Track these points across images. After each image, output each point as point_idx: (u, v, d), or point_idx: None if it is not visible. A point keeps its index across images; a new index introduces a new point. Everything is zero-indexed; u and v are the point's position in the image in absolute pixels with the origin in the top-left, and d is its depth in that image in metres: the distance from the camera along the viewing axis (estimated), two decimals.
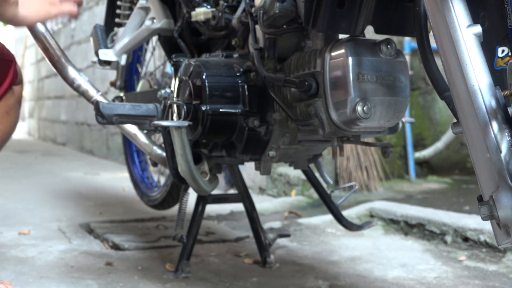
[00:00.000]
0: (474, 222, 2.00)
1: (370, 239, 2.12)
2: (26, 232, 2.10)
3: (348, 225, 1.75)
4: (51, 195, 3.05)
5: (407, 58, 3.51)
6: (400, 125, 1.33)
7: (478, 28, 0.82)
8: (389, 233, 2.21)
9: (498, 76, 0.85)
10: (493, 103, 0.79)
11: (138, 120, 1.41)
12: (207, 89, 1.35)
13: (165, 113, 1.53)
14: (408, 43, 3.70)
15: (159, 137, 2.08)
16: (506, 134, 0.79)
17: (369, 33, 1.23)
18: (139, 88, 1.97)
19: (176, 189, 1.93)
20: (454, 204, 2.79)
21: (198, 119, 1.37)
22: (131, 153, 2.31)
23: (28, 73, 9.11)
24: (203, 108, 1.34)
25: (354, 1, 1.13)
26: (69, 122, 6.79)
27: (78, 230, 2.18)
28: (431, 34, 0.89)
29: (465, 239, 1.97)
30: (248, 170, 3.12)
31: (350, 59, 1.13)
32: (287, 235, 1.99)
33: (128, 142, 2.31)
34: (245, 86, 1.37)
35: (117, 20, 2.02)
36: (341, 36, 1.24)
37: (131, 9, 1.99)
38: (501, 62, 0.86)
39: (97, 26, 1.94)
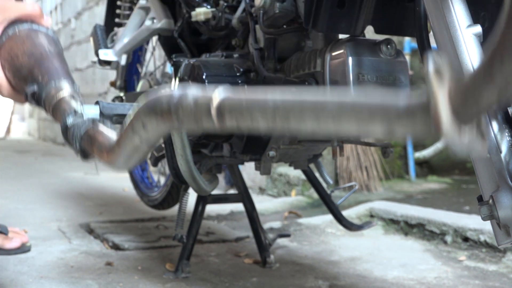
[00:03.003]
0: (474, 222, 2.00)
1: (370, 239, 2.12)
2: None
3: (348, 225, 1.75)
4: (51, 195, 3.05)
5: (407, 58, 3.51)
6: None
7: (478, 28, 0.82)
8: (389, 233, 2.21)
9: None
10: None
11: None
12: None
13: None
14: (408, 43, 3.70)
15: None
16: (506, 134, 0.79)
17: (369, 33, 1.23)
18: (139, 88, 1.98)
19: (176, 189, 1.93)
20: (454, 204, 2.79)
21: None
22: None
23: None
24: None
25: (354, 1, 1.13)
26: None
27: (78, 230, 2.18)
28: (431, 34, 0.89)
29: (465, 239, 1.97)
30: (248, 170, 3.12)
31: (350, 59, 1.12)
32: (287, 235, 1.99)
33: None
34: (245, 86, 1.37)
35: (117, 20, 2.02)
36: (341, 36, 1.24)
37: (131, 9, 1.99)
38: None
39: (97, 26, 1.95)
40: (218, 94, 0.62)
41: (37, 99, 0.92)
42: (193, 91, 0.64)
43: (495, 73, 0.43)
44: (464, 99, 0.45)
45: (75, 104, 0.89)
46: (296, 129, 0.55)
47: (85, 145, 0.84)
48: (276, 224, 2.31)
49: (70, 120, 0.86)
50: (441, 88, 0.46)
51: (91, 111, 0.87)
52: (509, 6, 0.42)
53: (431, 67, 0.46)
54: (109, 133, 0.83)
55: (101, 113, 1.27)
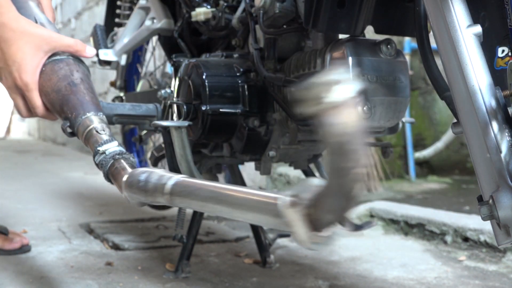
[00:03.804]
0: (474, 222, 2.00)
1: (370, 239, 2.12)
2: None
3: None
4: (51, 195, 3.05)
5: (407, 58, 3.51)
6: (400, 125, 1.33)
7: (478, 28, 0.81)
8: (389, 233, 2.21)
9: (498, 76, 0.85)
10: (493, 103, 0.79)
11: (138, 120, 1.41)
12: (207, 89, 1.35)
13: (165, 113, 1.53)
14: (408, 43, 3.70)
15: (159, 137, 2.08)
16: (506, 134, 0.79)
17: (369, 33, 1.23)
18: (139, 88, 1.97)
19: None
20: (454, 204, 2.79)
21: (198, 119, 1.37)
22: (131, 153, 2.31)
23: None
24: (203, 108, 1.34)
25: (354, 1, 1.13)
26: None
27: (78, 230, 2.18)
28: (431, 34, 0.89)
29: (465, 239, 1.97)
30: (248, 170, 3.12)
31: (350, 59, 1.13)
32: (287, 235, 1.99)
33: (128, 142, 2.31)
34: (245, 86, 1.37)
35: (117, 20, 2.02)
36: (341, 36, 1.24)
37: (131, 9, 1.99)
38: (501, 62, 0.86)
39: (97, 26, 1.94)
40: (170, 182, 0.85)
41: (71, 133, 1.08)
42: (154, 178, 0.88)
43: (328, 206, 0.62)
44: (316, 221, 0.63)
45: (100, 138, 1.03)
46: (219, 214, 0.79)
47: (111, 179, 1.01)
48: None
49: (97, 159, 1.01)
50: (297, 217, 0.64)
51: (112, 148, 1.01)
52: (329, 158, 0.59)
53: (284, 202, 0.65)
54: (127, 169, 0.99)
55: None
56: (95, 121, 1.05)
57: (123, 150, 1.02)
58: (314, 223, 0.64)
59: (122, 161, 0.99)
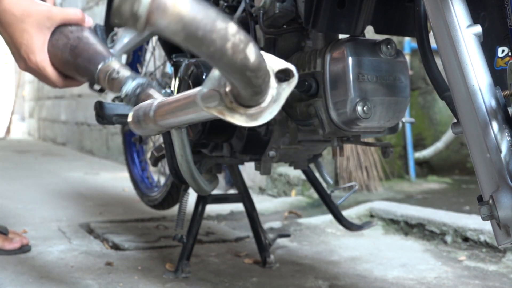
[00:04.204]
0: (474, 222, 2.00)
1: (370, 239, 2.12)
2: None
3: (348, 225, 1.75)
4: (51, 195, 3.05)
5: (407, 58, 3.51)
6: (400, 125, 1.33)
7: (478, 28, 0.82)
8: (389, 233, 2.21)
9: (498, 76, 0.85)
10: (493, 103, 0.79)
11: None
12: None
13: None
14: (408, 43, 3.70)
15: (159, 137, 2.08)
16: (506, 134, 0.79)
17: (369, 33, 1.23)
18: None
19: (176, 189, 1.93)
20: (454, 204, 2.79)
21: None
22: (131, 153, 2.31)
23: (28, 73, 9.10)
24: None
25: (354, 1, 1.13)
26: (69, 122, 6.79)
27: (78, 230, 2.18)
28: (431, 34, 0.89)
29: (465, 239, 1.97)
30: (248, 170, 3.12)
31: (350, 59, 1.12)
32: (287, 235, 1.99)
33: (128, 142, 2.31)
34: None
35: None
36: (341, 36, 1.24)
37: None
38: (501, 62, 0.86)
39: (97, 26, 1.94)
40: (151, 111, 0.89)
41: (100, 90, 1.13)
42: (141, 111, 0.92)
43: (239, 84, 0.63)
44: (241, 100, 0.66)
45: (119, 81, 1.05)
46: (189, 121, 0.84)
47: None
48: (276, 224, 2.31)
49: (125, 101, 1.04)
50: (219, 109, 0.66)
51: (130, 86, 1.03)
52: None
53: (201, 102, 0.67)
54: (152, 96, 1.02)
55: (101, 113, 1.28)
56: (110, 68, 1.07)
57: (140, 81, 1.03)
58: (240, 103, 0.64)
59: (147, 90, 1.02)
